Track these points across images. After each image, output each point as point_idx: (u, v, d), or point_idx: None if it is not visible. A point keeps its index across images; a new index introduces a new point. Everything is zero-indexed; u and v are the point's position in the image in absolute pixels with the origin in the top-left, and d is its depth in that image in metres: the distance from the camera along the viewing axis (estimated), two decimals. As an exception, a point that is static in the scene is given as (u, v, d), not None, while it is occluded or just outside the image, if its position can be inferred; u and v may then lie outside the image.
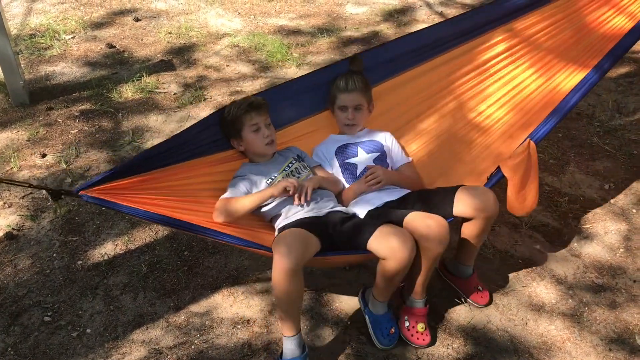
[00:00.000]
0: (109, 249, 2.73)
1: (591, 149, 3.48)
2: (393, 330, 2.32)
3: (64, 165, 3.23)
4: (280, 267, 1.98)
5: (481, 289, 2.50)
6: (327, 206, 2.37)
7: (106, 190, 1.96)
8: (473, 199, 2.27)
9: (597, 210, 3.02)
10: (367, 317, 2.37)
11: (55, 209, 2.91)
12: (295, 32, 4.86)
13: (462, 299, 2.50)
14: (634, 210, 3.00)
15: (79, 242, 2.77)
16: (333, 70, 2.69)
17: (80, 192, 1.91)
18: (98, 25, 4.89)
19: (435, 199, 2.36)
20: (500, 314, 2.45)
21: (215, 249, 2.73)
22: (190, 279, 2.58)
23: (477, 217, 2.28)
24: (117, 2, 5.31)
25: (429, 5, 5.38)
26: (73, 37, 4.67)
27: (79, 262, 2.66)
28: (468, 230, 2.36)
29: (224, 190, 2.35)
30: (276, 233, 2.30)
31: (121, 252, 2.71)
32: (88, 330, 2.35)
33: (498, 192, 2.39)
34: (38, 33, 4.67)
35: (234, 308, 2.45)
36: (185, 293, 2.51)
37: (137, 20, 4.99)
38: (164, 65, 4.30)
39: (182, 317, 2.41)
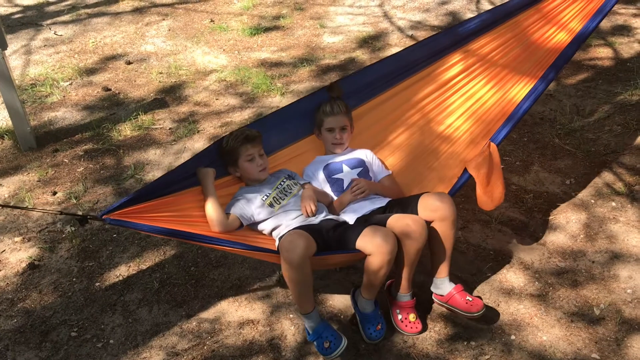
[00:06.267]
0: (122, 270, 3.02)
1: (553, 149, 3.82)
2: (379, 326, 2.58)
3: (74, 201, 3.54)
4: (289, 260, 2.29)
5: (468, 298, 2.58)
6: (320, 215, 2.67)
7: (125, 214, 2.28)
8: (431, 202, 2.57)
9: (560, 203, 3.34)
10: (357, 315, 2.65)
11: (71, 239, 3.21)
12: (278, 63, 5.22)
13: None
14: (592, 201, 3.34)
15: (94, 266, 3.06)
16: (313, 98, 3.02)
17: (104, 216, 2.23)
18: (92, 70, 5.24)
19: (406, 206, 2.65)
20: (475, 299, 2.76)
21: (218, 263, 3.03)
22: (198, 290, 2.88)
23: (435, 220, 2.56)
24: (109, 48, 5.67)
25: (400, 30, 5.76)
26: (70, 84, 5.01)
27: (97, 284, 2.95)
28: (431, 237, 2.57)
29: None
30: (277, 242, 2.57)
31: (134, 272, 3.01)
32: (111, 341, 2.63)
33: (470, 194, 2.71)
34: (38, 82, 5.01)
35: (239, 312, 2.75)
36: (195, 303, 2.81)
37: (129, 63, 5.34)
38: (157, 103, 4.64)
39: (194, 324, 2.70)
